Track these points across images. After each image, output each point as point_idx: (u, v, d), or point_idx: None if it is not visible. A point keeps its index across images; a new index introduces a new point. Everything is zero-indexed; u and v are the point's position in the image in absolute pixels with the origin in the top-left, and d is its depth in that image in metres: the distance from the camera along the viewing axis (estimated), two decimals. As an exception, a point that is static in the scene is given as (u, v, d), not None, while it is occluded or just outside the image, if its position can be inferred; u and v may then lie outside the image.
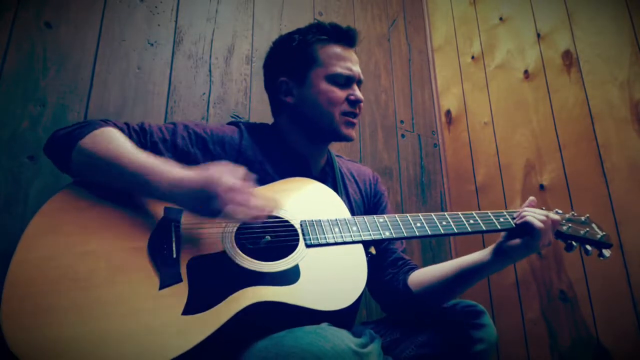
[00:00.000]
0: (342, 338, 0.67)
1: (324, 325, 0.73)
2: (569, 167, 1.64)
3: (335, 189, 1.12)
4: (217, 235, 0.84)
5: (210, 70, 1.54)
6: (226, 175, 0.78)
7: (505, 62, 1.96)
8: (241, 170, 0.81)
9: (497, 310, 1.79)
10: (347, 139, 1.09)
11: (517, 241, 0.95)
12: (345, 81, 1.07)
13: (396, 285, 1.06)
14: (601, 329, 1.45)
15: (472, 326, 0.94)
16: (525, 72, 1.86)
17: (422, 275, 1.05)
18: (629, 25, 1.54)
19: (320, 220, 0.92)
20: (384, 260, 1.12)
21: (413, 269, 1.10)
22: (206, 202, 0.77)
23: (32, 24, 1.22)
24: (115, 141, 0.84)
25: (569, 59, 1.70)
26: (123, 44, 1.37)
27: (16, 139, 1.13)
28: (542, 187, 1.71)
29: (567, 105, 1.68)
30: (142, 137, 0.94)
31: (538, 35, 1.84)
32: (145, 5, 1.45)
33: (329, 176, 1.15)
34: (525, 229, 0.95)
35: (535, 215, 0.96)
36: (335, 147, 1.20)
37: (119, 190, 0.83)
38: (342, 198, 1.10)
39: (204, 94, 1.51)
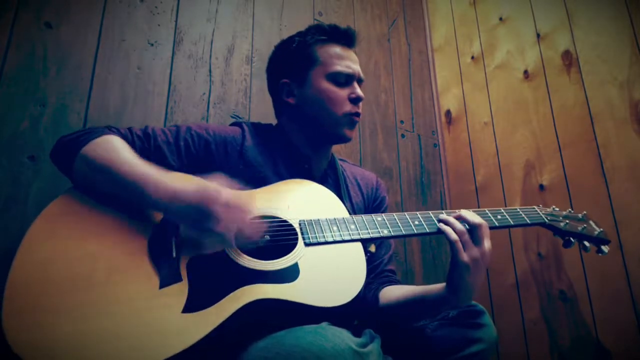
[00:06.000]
0: (343, 337, 0.67)
1: (324, 324, 0.73)
2: (568, 167, 1.64)
3: (338, 191, 1.12)
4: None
5: (210, 71, 1.54)
6: (224, 192, 0.78)
7: (505, 62, 1.96)
8: (239, 187, 0.81)
9: (497, 310, 1.79)
10: (347, 139, 1.09)
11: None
12: (346, 79, 1.07)
13: (367, 293, 1.06)
14: (601, 328, 1.45)
15: (472, 326, 0.94)
16: (525, 72, 1.86)
17: (392, 292, 1.03)
18: (629, 25, 1.54)
19: (318, 220, 0.93)
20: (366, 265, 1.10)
21: (391, 283, 1.08)
22: (200, 219, 0.77)
23: (32, 24, 1.22)
24: (115, 150, 0.84)
25: (569, 59, 1.70)
26: (123, 44, 1.37)
27: (16, 139, 1.13)
28: (542, 187, 1.71)
29: (567, 105, 1.68)
30: (145, 142, 0.94)
31: (538, 35, 1.84)
32: (145, 5, 1.45)
33: (330, 178, 1.15)
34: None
35: (450, 219, 0.89)
36: (334, 147, 1.20)
37: (118, 199, 0.83)
38: (344, 200, 1.10)
39: (204, 94, 1.51)
